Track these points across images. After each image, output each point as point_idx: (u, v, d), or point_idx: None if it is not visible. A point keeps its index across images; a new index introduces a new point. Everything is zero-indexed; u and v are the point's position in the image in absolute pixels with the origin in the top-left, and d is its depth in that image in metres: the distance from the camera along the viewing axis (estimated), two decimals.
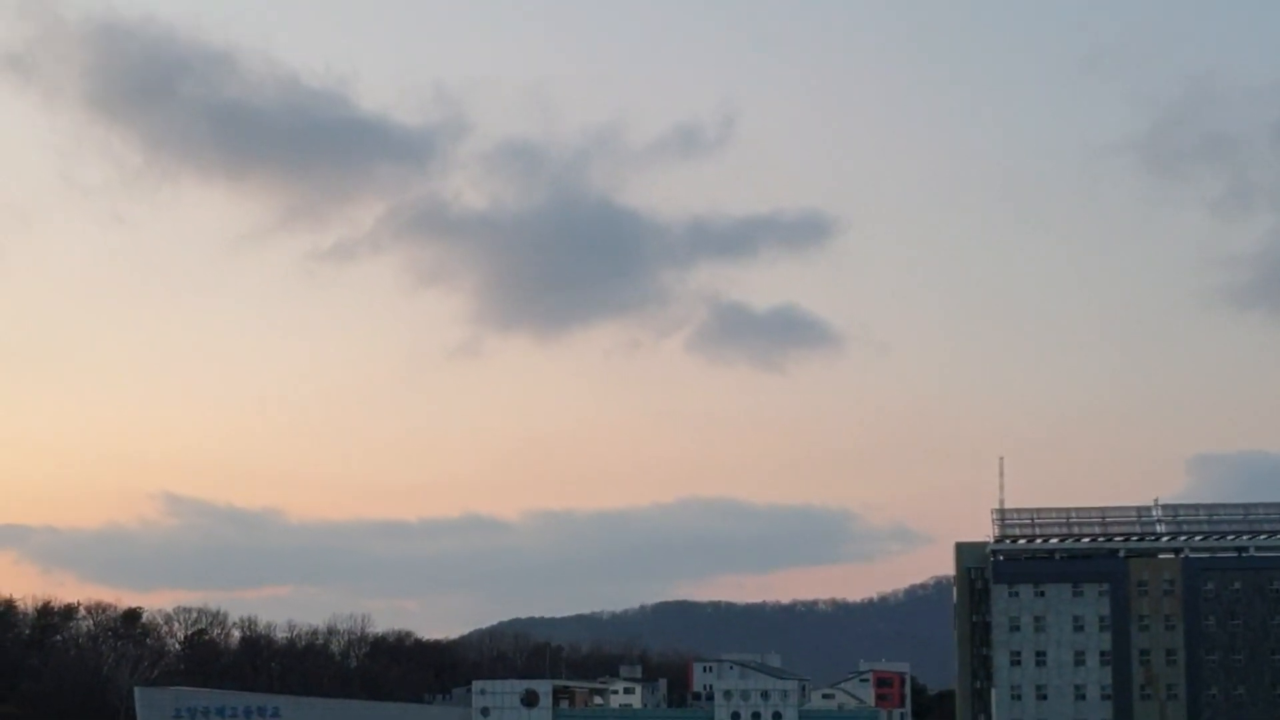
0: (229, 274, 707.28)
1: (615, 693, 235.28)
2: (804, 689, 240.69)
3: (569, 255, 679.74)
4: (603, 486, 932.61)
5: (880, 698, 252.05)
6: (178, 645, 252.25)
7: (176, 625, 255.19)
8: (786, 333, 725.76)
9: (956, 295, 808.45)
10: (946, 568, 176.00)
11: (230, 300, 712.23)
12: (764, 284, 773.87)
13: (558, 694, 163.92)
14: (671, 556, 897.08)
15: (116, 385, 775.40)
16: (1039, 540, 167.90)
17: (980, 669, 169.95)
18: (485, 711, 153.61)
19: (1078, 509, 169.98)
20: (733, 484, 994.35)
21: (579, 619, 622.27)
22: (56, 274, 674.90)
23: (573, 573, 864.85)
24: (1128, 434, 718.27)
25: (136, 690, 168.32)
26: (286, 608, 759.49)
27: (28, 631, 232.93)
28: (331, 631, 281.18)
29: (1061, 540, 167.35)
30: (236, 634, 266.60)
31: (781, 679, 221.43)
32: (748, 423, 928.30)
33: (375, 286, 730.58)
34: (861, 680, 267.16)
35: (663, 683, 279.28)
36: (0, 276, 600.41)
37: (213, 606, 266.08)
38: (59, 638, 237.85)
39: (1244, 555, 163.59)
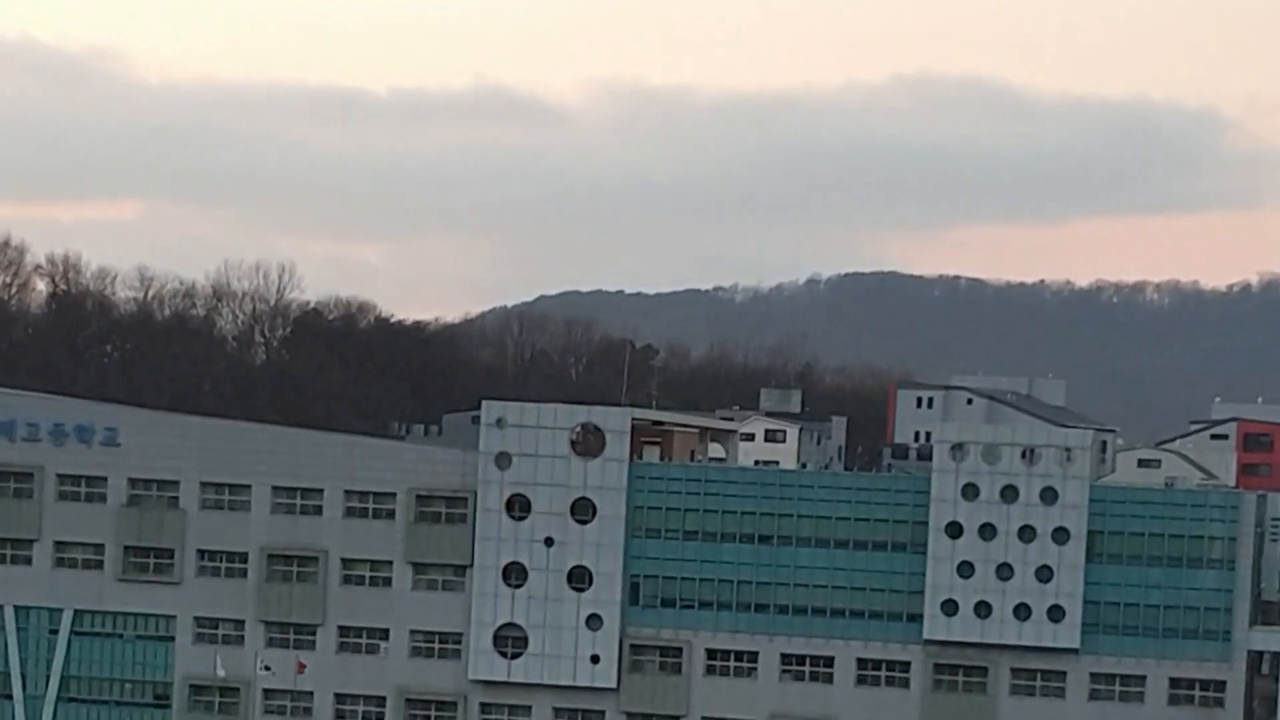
0: None
1: (750, 438, 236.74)
2: (1105, 447, 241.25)
3: None
4: (745, 49, 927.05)
5: (1247, 469, 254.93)
6: None
7: None
8: None
9: None
10: None
11: None
12: None
13: (641, 435, 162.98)
14: (872, 190, 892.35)
15: None
16: None
17: None
18: (503, 460, 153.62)
19: None
20: (996, 55, 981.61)
21: (690, 297, 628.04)
22: None
23: (682, 209, 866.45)
24: None
25: None
26: (136, 242, 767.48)
27: None
28: (220, 294, 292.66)
29: None
30: (42, 287, 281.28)
31: (1064, 426, 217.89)
32: None
33: None
34: (1215, 437, 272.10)
35: (839, 424, 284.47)
36: None
37: None
38: None
39: None
